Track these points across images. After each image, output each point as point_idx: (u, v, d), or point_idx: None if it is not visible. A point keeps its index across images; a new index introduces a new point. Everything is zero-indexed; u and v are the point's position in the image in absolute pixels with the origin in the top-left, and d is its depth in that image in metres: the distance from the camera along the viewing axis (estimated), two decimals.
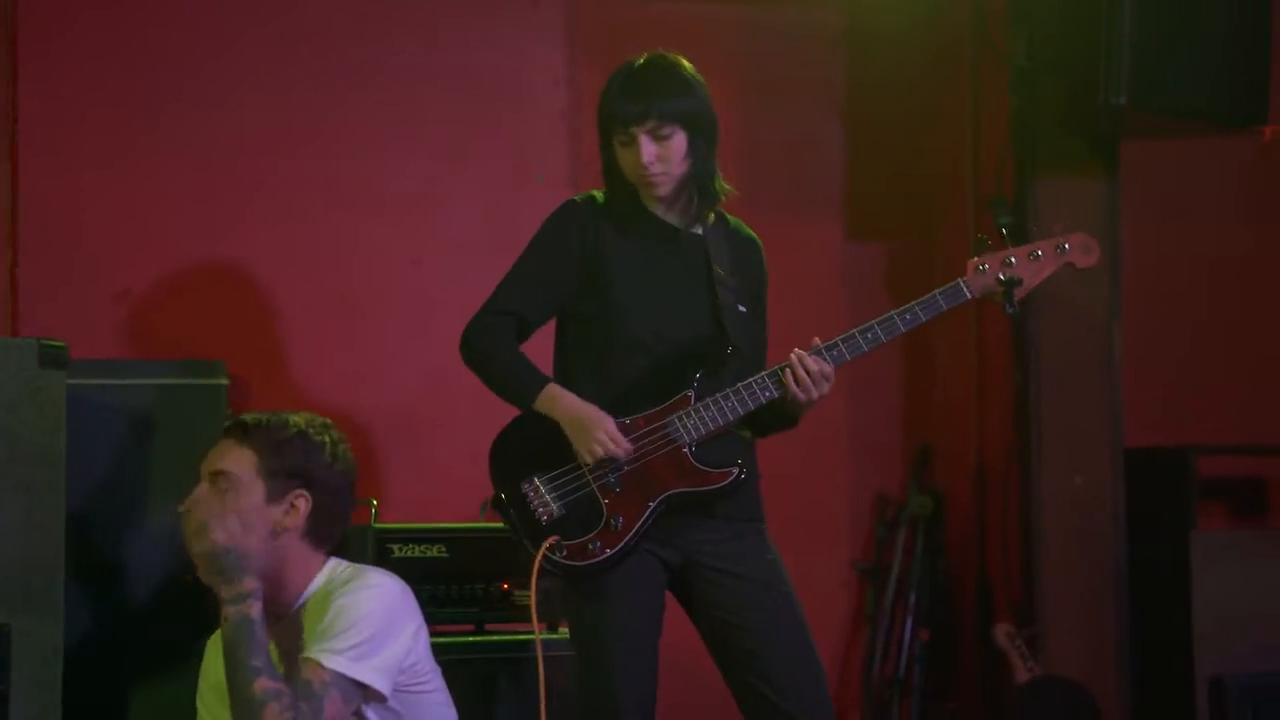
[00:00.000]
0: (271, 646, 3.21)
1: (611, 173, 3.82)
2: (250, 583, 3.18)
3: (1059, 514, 5.55)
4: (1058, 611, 5.53)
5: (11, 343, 4.24)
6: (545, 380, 3.77)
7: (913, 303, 3.72)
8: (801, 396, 3.70)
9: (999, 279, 3.74)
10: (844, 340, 3.71)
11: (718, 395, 3.72)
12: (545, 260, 3.83)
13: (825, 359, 3.70)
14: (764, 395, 3.72)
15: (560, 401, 3.73)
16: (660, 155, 3.74)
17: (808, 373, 3.68)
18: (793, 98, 5.76)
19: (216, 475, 3.27)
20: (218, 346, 4.75)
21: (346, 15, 5.23)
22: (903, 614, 5.70)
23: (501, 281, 3.84)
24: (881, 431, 5.83)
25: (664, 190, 3.78)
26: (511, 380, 3.78)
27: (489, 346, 3.80)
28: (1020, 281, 3.74)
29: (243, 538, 3.20)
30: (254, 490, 3.27)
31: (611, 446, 3.68)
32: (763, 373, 3.72)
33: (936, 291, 3.73)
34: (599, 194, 3.85)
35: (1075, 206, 5.42)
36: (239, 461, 3.27)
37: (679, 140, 3.75)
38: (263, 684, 3.11)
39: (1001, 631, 5.47)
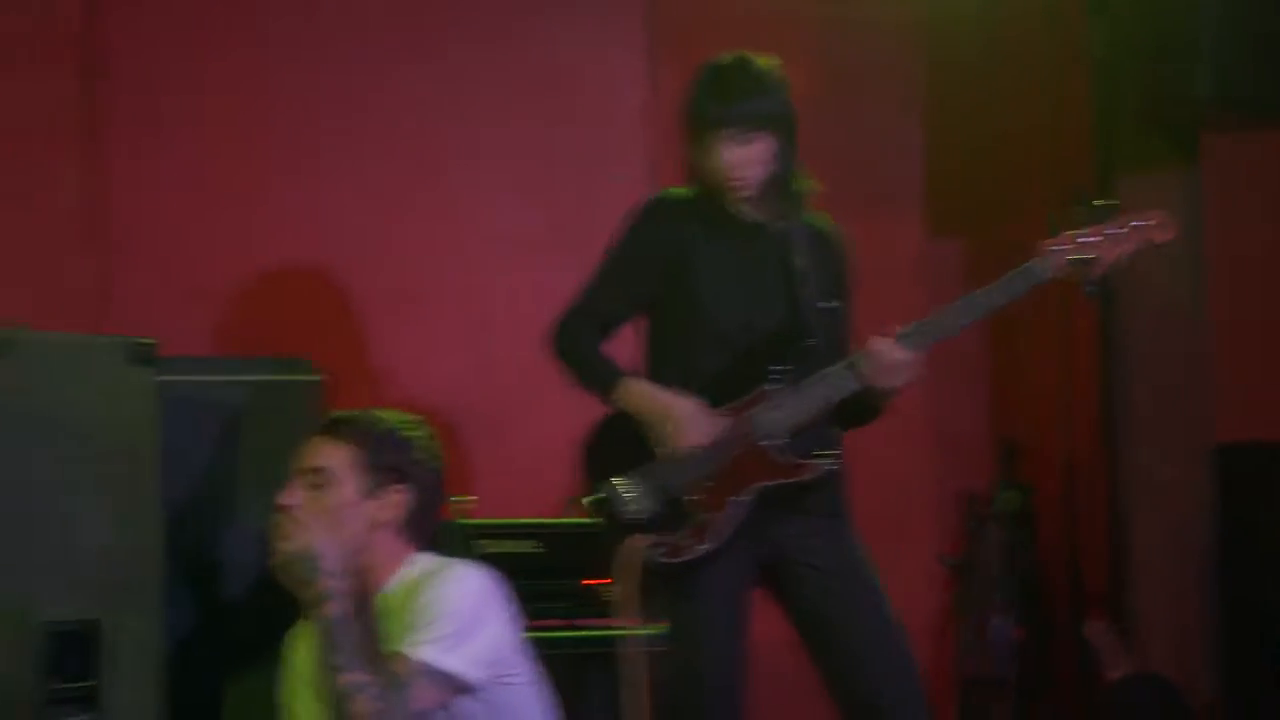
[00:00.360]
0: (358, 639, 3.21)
1: (694, 170, 3.81)
2: (327, 583, 3.17)
3: (1150, 510, 5.51)
4: (1149, 608, 5.48)
5: (100, 340, 4.27)
6: (623, 375, 3.77)
7: (989, 285, 3.70)
8: (881, 385, 3.67)
9: (1074, 258, 3.71)
10: (921, 326, 3.69)
11: (800, 387, 3.70)
12: (628, 258, 3.84)
13: (903, 345, 3.68)
14: (845, 386, 3.70)
15: (639, 395, 3.75)
16: (744, 160, 3.74)
17: (887, 360, 3.66)
18: (871, 90, 5.73)
19: (313, 471, 3.28)
20: (304, 344, 4.77)
21: (424, 14, 5.24)
22: (992, 610, 5.66)
23: (586, 280, 3.85)
24: (968, 426, 5.79)
25: (747, 193, 3.78)
26: (592, 377, 3.80)
27: (571, 345, 3.83)
28: (1097, 259, 3.71)
29: (321, 540, 3.21)
30: (350, 485, 3.28)
31: (694, 431, 3.66)
32: (842, 363, 3.71)
33: (1013, 272, 3.71)
34: (681, 190, 3.85)
35: (1158, 199, 5.35)
36: (335, 457, 3.28)
37: (762, 145, 3.74)
38: (348, 678, 3.11)
39: (1094, 628, 5.42)
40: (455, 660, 3.17)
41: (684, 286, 3.78)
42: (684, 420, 3.70)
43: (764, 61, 3.81)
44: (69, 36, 4.92)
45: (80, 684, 3.99)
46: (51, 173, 4.87)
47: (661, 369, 3.81)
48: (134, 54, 4.96)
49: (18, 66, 4.87)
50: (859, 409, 3.79)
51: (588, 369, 3.81)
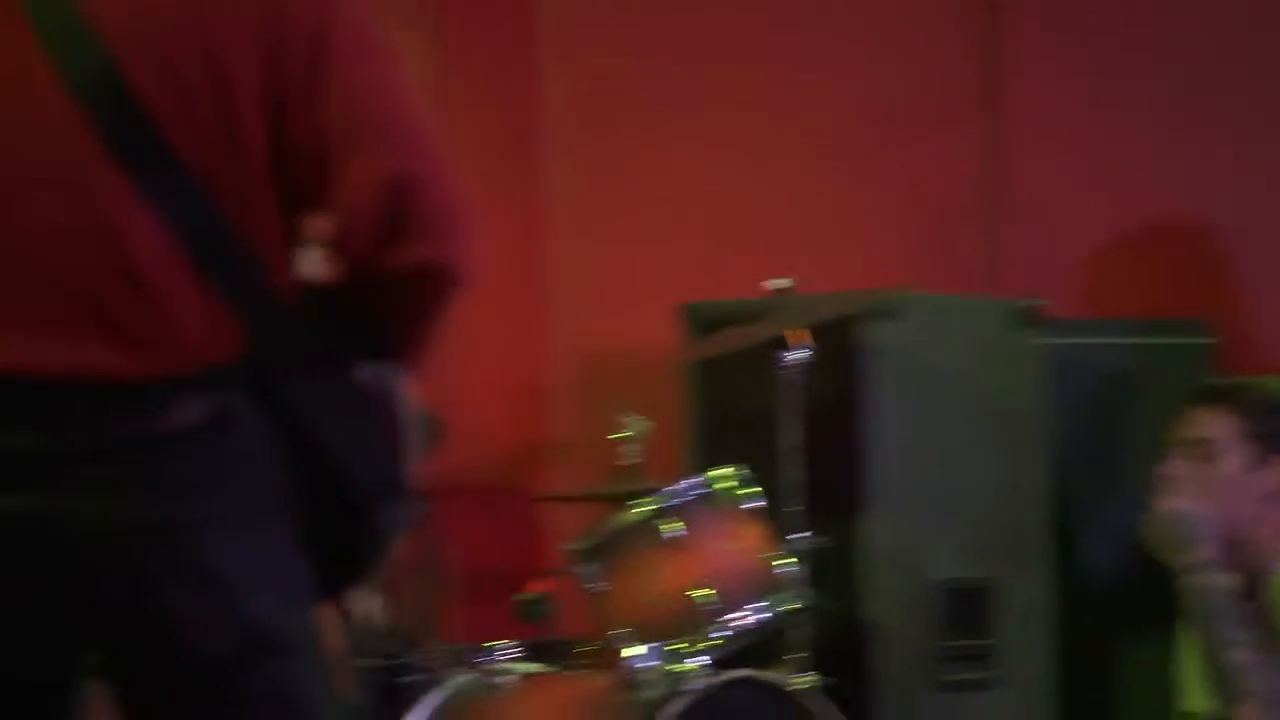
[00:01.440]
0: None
1: None
2: (1201, 552, 3.09)
3: None
4: None
5: (988, 303, 4.36)
6: None
7: None
8: None
9: None
10: None
11: None
12: None
13: None
14: None
15: None
16: None
17: None
18: None
19: (1195, 443, 3.22)
20: (1192, 305, 4.62)
21: None
22: None
23: None
24: None
25: None
26: None
27: None
28: None
29: (1199, 508, 3.11)
30: (1236, 457, 3.19)
31: None
32: None
33: None
34: None
35: None
36: (1219, 427, 3.21)
37: None
38: (1234, 655, 3.03)
39: None
40: None
41: None
42: None
43: None
44: (969, 9, 5.02)
45: (975, 641, 4.10)
46: (951, 142, 4.98)
47: None
48: (1032, 25, 4.97)
49: (922, 45, 5.02)
50: None
51: None
